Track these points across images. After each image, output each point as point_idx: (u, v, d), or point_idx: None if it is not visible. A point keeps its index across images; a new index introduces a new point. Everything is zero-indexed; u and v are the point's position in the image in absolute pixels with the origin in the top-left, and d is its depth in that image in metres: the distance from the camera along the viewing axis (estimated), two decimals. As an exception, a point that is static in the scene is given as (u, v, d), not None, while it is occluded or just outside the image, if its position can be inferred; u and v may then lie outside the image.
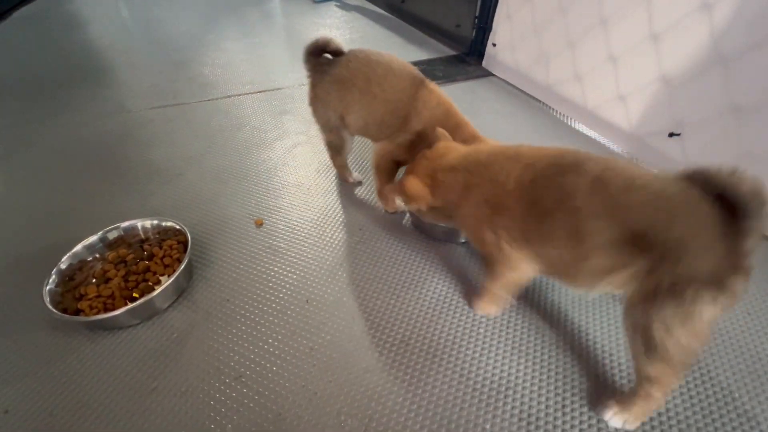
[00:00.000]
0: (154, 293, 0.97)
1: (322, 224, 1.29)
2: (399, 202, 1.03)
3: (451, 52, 2.51)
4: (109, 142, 1.71)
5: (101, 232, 1.14)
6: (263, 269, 1.14)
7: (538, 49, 1.89)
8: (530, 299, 1.05)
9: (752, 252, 0.60)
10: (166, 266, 1.09)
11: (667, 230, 0.64)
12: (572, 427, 0.81)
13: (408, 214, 1.32)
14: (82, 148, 1.67)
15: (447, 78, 2.17)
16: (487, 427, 0.81)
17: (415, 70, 1.18)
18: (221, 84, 2.17)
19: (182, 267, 1.02)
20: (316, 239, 1.23)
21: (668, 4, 1.33)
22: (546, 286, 1.08)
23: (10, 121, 1.85)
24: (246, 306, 1.05)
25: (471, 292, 1.07)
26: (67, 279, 1.05)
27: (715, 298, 0.61)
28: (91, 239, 1.12)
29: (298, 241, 1.23)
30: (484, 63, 2.29)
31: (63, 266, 1.05)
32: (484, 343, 0.96)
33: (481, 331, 0.98)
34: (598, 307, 1.03)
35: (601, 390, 0.87)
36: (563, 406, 0.84)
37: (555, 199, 0.74)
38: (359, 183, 1.46)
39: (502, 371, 0.90)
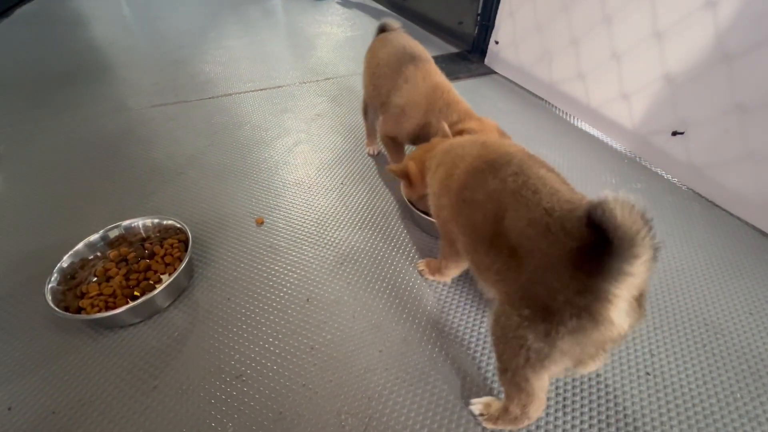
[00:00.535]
0: (155, 292, 0.97)
1: (322, 223, 1.29)
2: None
3: (454, 50, 2.49)
4: (110, 140, 1.71)
5: (102, 231, 1.14)
6: (264, 268, 1.14)
7: (541, 46, 1.88)
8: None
9: (620, 297, 0.52)
10: (167, 265, 1.09)
11: (529, 255, 0.61)
12: (572, 427, 0.81)
13: (409, 214, 1.31)
14: (83, 146, 1.67)
15: (449, 76, 2.10)
16: (487, 426, 0.81)
17: (413, 51, 1.27)
18: (222, 82, 2.17)
19: (183, 266, 1.02)
20: (317, 238, 1.23)
21: (672, 2, 1.32)
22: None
23: (11, 118, 1.86)
24: (246, 305, 1.05)
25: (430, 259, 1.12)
26: (69, 277, 1.05)
27: (548, 334, 0.57)
28: (92, 238, 1.13)
29: (298, 240, 1.23)
30: (486, 61, 2.28)
31: (65, 265, 1.06)
32: (485, 343, 0.96)
33: (482, 331, 0.98)
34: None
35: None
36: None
37: (469, 194, 0.76)
38: (373, 155, 1.59)
39: (502, 371, 0.90)
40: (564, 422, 0.82)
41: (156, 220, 1.19)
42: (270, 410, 0.84)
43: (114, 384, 0.89)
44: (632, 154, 1.58)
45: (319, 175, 1.49)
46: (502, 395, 0.79)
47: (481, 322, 1.00)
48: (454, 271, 1.04)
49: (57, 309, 0.93)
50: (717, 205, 1.35)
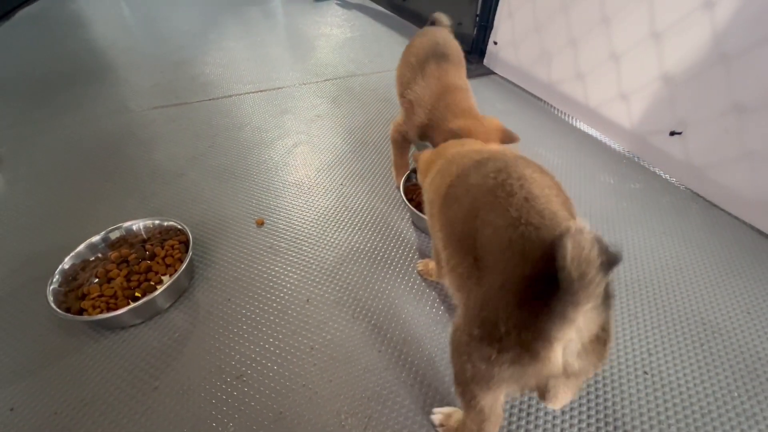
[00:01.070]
0: (156, 293, 0.98)
1: (322, 224, 1.29)
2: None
3: (453, 51, 2.50)
4: (111, 141, 1.72)
5: (104, 232, 1.15)
6: (264, 269, 1.15)
7: (540, 47, 1.88)
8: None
9: (562, 340, 0.48)
10: (167, 266, 1.10)
11: (488, 269, 0.57)
12: None
13: (409, 214, 1.32)
14: (84, 147, 1.68)
15: (448, 76, 2.16)
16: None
17: (444, 50, 1.22)
18: (222, 83, 2.18)
19: (184, 267, 1.03)
20: (317, 239, 1.24)
21: (670, 3, 1.32)
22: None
23: (13, 120, 1.86)
24: (247, 305, 1.05)
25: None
26: (70, 279, 1.06)
27: (489, 359, 0.54)
28: (93, 239, 1.13)
29: (298, 241, 1.23)
30: (485, 61, 2.29)
31: (66, 266, 1.06)
32: (483, 342, 0.96)
33: (481, 330, 0.99)
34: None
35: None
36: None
37: (452, 191, 0.72)
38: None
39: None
40: (562, 420, 0.82)
41: (157, 222, 1.19)
42: (270, 410, 0.85)
43: (115, 384, 0.90)
44: (630, 154, 1.58)
45: (319, 176, 1.50)
46: None
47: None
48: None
49: (58, 310, 0.94)
50: (715, 205, 1.36)
